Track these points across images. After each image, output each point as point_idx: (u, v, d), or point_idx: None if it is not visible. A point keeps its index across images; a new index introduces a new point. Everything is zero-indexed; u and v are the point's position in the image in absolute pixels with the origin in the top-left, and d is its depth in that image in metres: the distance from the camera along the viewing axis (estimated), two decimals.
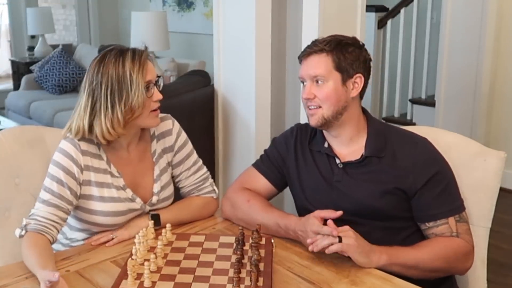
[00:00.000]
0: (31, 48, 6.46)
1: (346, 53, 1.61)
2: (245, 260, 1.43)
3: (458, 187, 1.63)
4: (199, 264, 1.43)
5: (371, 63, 1.69)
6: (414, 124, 4.65)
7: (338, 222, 1.52)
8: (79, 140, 1.61)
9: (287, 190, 1.85)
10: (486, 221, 1.70)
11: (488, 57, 4.06)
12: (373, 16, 4.72)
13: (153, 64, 1.66)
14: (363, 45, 1.68)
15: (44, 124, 4.63)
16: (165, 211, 1.71)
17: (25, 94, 5.64)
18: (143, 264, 1.35)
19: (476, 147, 1.76)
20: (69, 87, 5.65)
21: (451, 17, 4.17)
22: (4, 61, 7.86)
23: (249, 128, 2.78)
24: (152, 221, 1.60)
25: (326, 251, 1.44)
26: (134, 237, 1.49)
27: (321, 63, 1.61)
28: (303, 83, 1.66)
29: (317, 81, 1.61)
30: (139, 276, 1.34)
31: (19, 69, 6.31)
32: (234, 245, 1.50)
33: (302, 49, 1.68)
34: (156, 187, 1.71)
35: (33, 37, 6.76)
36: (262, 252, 1.46)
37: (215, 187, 1.84)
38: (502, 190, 1.74)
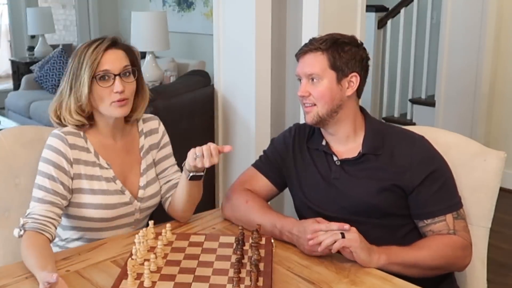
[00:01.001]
0: (31, 48, 6.46)
1: (341, 52, 1.62)
2: (245, 260, 1.43)
3: (456, 184, 1.64)
4: (199, 264, 1.43)
5: (370, 62, 1.70)
6: (414, 124, 4.65)
7: (337, 220, 1.52)
8: (65, 134, 1.62)
9: (287, 191, 1.85)
10: (486, 221, 1.70)
11: (488, 57, 4.06)
12: (373, 16, 4.72)
13: (133, 53, 1.67)
14: (361, 44, 1.68)
15: (44, 124, 4.61)
16: None
17: (25, 94, 5.64)
18: (143, 264, 1.35)
19: (476, 147, 1.76)
20: None
21: (451, 17, 4.17)
22: (4, 61, 7.86)
23: (249, 128, 2.78)
24: (152, 221, 1.60)
25: (332, 251, 1.44)
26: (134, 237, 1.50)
27: (316, 62, 1.62)
28: (300, 80, 1.67)
29: (312, 79, 1.63)
30: (139, 276, 1.34)
31: (19, 69, 6.32)
32: (234, 245, 1.50)
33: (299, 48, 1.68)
34: (142, 181, 1.72)
35: (33, 37, 6.76)
36: (262, 252, 1.46)
37: None
38: (502, 190, 1.74)
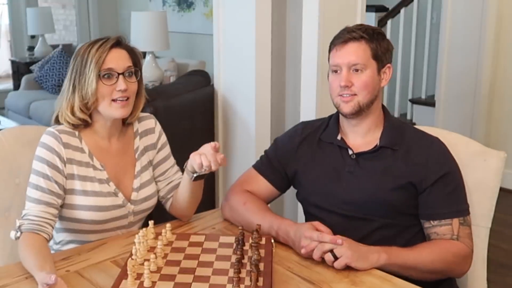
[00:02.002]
0: (31, 48, 6.45)
1: (381, 42, 1.63)
2: (245, 260, 1.43)
3: (466, 192, 1.63)
4: (199, 264, 1.42)
5: None
6: (414, 124, 4.65)
7: (345, 217, 1.52)
8: (60, 132, 1.61)
9: (287, 192, 1.85)
10: (486, 221, 1.71)
11: (488, 57, 4.05)
12: (373, 16, 4.72)
13: (135, 54, 1.67)
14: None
15: (44, 124, 4.58)
16: None
17: (25, 94, 5.64)
18: (143, 264, 1.35)
19: (476, 147, 1.76)
20: None
21: (451, 17, 4.18)
22: (4, 61, 7.85)
23: (249, 128, 2.77)
24: (152, 221, 1.60)
25: (335, 267, 1.44)
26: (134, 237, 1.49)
27: (360, 51, 1.60)
28: (335, 71, 1.64)
29: (356, 70, 1.60)
30: (139, 276, 1.34)
31: (19, 69, 6.31)
32: (234, 245, 1.50)
33: (335, 36, 1.65)
34: (136, 183, 1.71)
35: (33, 37, 6.75)
36: (262, 252, 1.46)
37: None
38: (502, 190, 1.74)
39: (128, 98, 1.62)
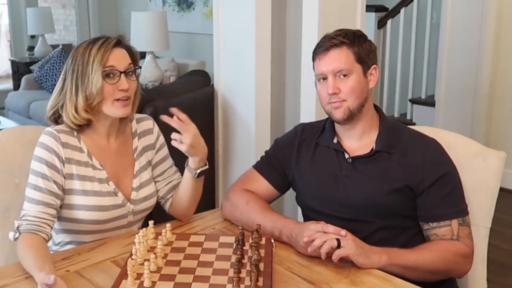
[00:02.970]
0: (31, 48, 6.46)
1: (363, 45, 1.63)
2: (245, 260, 1.43)
3: (464, 191, 1.63)
4: (199, 264, 1.42)
5: None
6: (414, 124, 4.65)
7: (344, 220, 1.52)
8: (58, 132, 1.61)
9: (287, 193, 1.85)
10: (486, 221, 1.71)
11: (488, 57, 4.06)
12: (373, 16, 4.72)
13: (134, 54, 1.67)
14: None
15: (44, 124, 4.59)
16: None
17: (25, 94, 5.64)
18: (143, 264, 1.35)
19: (476, 147, 1.76)
20: None
21: (451, 17, 4.18)
22: (4, 61, 7.86)
23: (249, 128, 2.77)
24: (152, 221, 1.60)
25: (333, 259, 1.43)
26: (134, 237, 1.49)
27: (342, 56, 1.60)
28: (321, 79, 1.64)
29: (342, 75, 1.60)
30: (139, 276, 1.34)
31: (19, 69, 6.31)
32: (234, 245, 1.50)
33: (316, 45, 1.66)
34: (135, 182, 1.71)
35: (33, 37, 6.76)
36: (262, 252, 1.46)
37: None
38: (502, 190, 1.74)
39: (129, 98, 1.63)
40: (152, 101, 2.77)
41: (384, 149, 1.63)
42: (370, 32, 4.58)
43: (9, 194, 1.75)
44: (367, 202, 1.61)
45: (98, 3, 6.92)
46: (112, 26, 6.68)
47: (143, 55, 4.44)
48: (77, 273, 1.44)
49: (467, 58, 4.13)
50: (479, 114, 4.15)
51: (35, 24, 6.38)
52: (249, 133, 2.77)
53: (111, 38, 1.62)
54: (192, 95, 3.10)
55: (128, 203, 1.69)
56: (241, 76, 2.78)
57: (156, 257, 1.40)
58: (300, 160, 1.74)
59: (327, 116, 1.78)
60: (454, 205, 1.59)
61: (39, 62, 5.84)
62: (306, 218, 1.76)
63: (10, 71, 6.70)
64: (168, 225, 1.59)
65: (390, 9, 4.86)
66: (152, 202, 1.76)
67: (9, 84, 6.92)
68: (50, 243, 1.68)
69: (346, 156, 1.66)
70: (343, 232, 1.45)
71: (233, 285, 1.30)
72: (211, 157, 3.01)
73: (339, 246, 1.43)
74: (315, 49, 1.66)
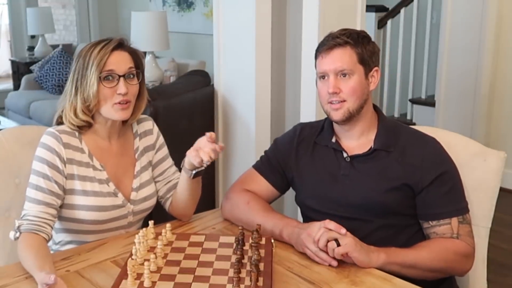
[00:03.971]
0: (31, 48, 6.45)
1: (367, 46, 1.62)
2: (245, 260, 1.43)
3: (464, 189, 1.63)
4: (199, 264, 1.42)
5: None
6: (414, 124, 4.65)
7: (343, 219, 1.52)
8: (60, 133, 1.62)
9: (287, 194, 1.84)
10: (486, 221, 1.71)
11: (488, 57, 4.06)
12: (373, 16, 4.72)
13: (138, 56, 1.67)
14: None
15: (44, 124, 4.59)
16: None
17: (25, 94, 5.64)
18: (143, 264, 1.35)
19: (476, 147, 1.76)
20: None
21: (451, 17, 4.18)
22: (4, 61, 7.86)
23: (249, 128, 2.78)
24: (152, 221, 1.60)
25: (335, 254, 1.44)
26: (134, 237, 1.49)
27: (346, 56, 1.60)
28: (322, 77, 1.64)
29: (343, 75, 1.60)
30: (139, 276, 1.34)
31: (19, 69, 6.31)
32: (234, 245, 1.50)
33: (320, 43, 1.65)
34: (135, 183, 1.72)
35: (33, 37, 6.76)
36: (262, 252, 1.46)
37: None
38: (502, 190, 1.74)
39: (128, 102, 1.62)
40: (152, 101, 2.76)
41: (383, 148, 1.63)
42: (370, 32, 4.54)
43: (9, 194, 1.75)
44: (366, 201, 1.61)
45: (98, 3, 6.91)
46: (112, 26, 6.68)
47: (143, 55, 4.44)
48: (77, 273, 1.44)
49: (467, 58, 4.13)
50: (479, 114, 4.15)
51: (35, 24, 6.38)
52: (249, 133, 2.77)
53: (112, 41, 1.62)
54: (192, 95, 3.10)
55: (128, 203, 1.69)
56: (241, 76, 2.78)
57: (156, 257, 1.40)
58: (299, 160, 1.74)
59: (326, 116, 1.79)
60: (454, 203, 1.59)
61: (39, 62, 5.84)
62: (305, 217, 1.76)
63: (10, 71, 6.70)
64: (168, 225, 1.59)
65: (390, 9, 4.86)
66: (152, 202, 1.76)
67: (9, 84, 6.92)
68: (50, 243, 1.68)
69: (345, 155, 1.66)
70: (343, 230, 1.45)
71: (233, 285, 1.30)
72: None
73: (338, 245, 1.44)
74: (318, 47, 1.66)
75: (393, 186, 1.59)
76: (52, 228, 1.56)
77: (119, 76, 1.60)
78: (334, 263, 1.45)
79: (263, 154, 1.85)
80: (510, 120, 4.14)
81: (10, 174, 1.76)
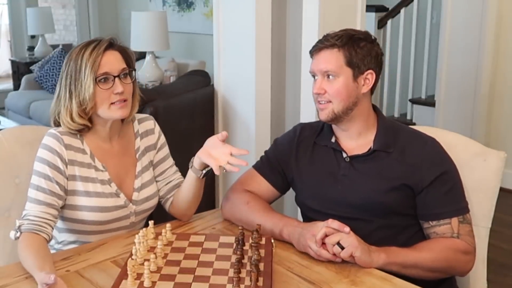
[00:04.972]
0: (31, 48, 6.46)
1: (357, 48, 1.60)
2: (245, 260, 1.43)
3: (464, 189, 1.63)
4: (199, 264, 1.42)
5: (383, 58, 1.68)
6: (414, 124, 4.65)
7: (343, 219, 1.52)
8: (62, 134, 1.62)
9: (287, 194, 1.84)
10: (486, 221, 1.71)
11: (488, 57, 4.06)
12: (373, 16, 4.72)
13: (128, 55, 1.66)
14: (375, 39, 1.67)
15: (44, 124, 4.59)
16: None
17: (25, 94, 5.64)
18: (143, 264, 1.35)
19: (476, 147, 1.76)
20: None
21: (451, 17, 4.18)
22: (4, 61, 7.86)
23: (249, 128, 2.78)
24: (152, 221, 1.60)
25: (340, 255, 1.44)
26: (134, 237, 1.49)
27: (332, 59, 1.60)
28: (314, 77, 1.65)
29: (328, 76, 1.61)
30: (139, 276, 1.34)
31: (19, 69, 6.31)
32: (234, 245, 1.50)
33: (313, 44, 1.66)
34: (137, 183, 1.72)
35: (33, 37, 6.76)
36: (262, 252, 1.46)
37: None
38: (502, 190, 1.74)
39: (125, 100, 1.62)
40: (152, 101, 2.77)
41: (382, 148, 1.63)
42: (370, 32, 4.58)
43: (9, 194, 1.75)
44: (366, 201, 1.61)
45: (98, 3, 6.92)
46: (112, 26, 6.68)
47: (143, 55, 4.45)
48: (77, 273, 1.44)
49: (467, 58, 4.13)
50: (479, 114, 4.15)
51: (35, 24, 6.39)
52: (249, 133, 2.77)
53: (102, 41, 1.61)
54: (192, 95, 3.11)
55: (130, 204, 1.69)
56: (241, 76, 2.78)
57: (156, 257, 1.40)
58: (299, 160, 1.74)
59: None
60: (454, 203, 1.59)
61: (39, 62, 5.84)
62: (306, 217, 1.76)
63: (10, 71, 6.70)
64: (168, 225, 1.59)
65: (390, 9, 4.86)
66: (153, 202, 1.76)
67: (9, 84, 6.92)
68: (52, 242, 1.69)
69: (344, 155, 1.66)
70: (347, 229, 1.45)
71: (233, 285, 1.30)
72: None
73: (342, 249, 1.44)
74: (312, 47, 1.67)
75: (393, 186, 1.59)
76: (52, 228, 1.57)
77: (114, 77, 1.60)
78: (339, 259, 1.45)
79: (263, 154, 1.85)
80: (510, 120, 4.14)
81: (10, 174, 1.76)
